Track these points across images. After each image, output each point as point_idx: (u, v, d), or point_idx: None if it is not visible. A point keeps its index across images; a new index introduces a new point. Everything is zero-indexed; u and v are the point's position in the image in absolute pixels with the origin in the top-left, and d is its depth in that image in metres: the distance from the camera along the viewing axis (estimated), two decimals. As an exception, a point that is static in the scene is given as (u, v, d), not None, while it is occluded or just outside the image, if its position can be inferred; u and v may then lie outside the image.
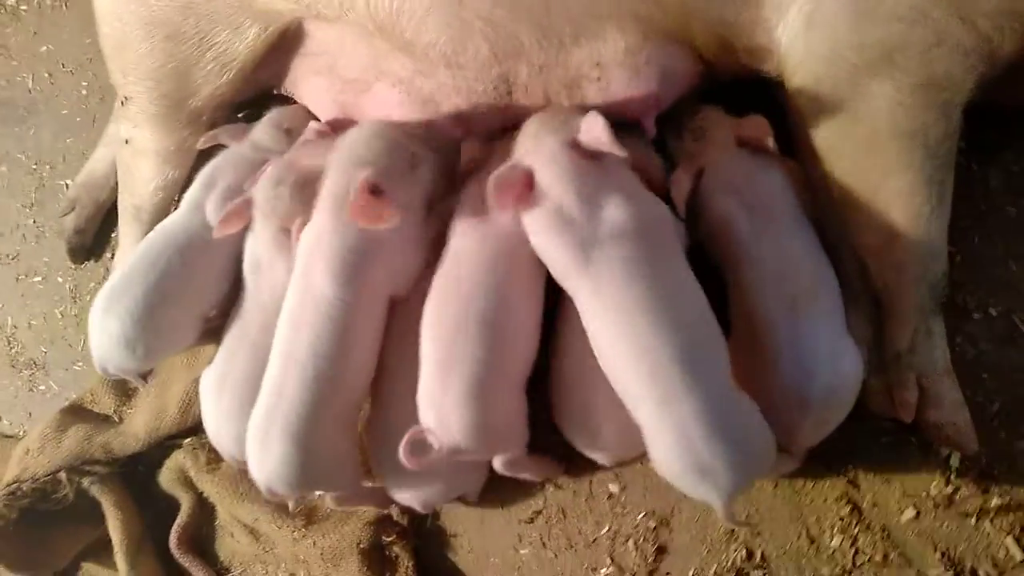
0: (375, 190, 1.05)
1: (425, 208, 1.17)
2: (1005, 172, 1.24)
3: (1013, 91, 1.10)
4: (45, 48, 1.90)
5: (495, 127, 1.27)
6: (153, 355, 1.35)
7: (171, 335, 1.34)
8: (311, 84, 1.38)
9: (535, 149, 1.03)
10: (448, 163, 1.24)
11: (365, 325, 1.11)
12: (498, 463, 1.14)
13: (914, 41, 1.00)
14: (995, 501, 1.18)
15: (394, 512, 1.43)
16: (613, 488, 1.33)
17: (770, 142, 1.16)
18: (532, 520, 1.37)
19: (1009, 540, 1.16)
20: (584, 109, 1.07)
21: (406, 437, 1.03)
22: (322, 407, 1.08)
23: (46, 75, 1.89)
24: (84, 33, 1.84)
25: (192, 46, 1.35)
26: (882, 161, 1.07)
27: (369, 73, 1.30)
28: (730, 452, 0.93)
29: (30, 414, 1.78)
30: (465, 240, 1.09)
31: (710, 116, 1.21)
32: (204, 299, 1.34)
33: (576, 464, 1.27)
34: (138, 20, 1.35)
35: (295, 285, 1.11)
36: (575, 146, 1.02)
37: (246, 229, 1.28)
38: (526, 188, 1.02)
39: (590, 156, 1.01)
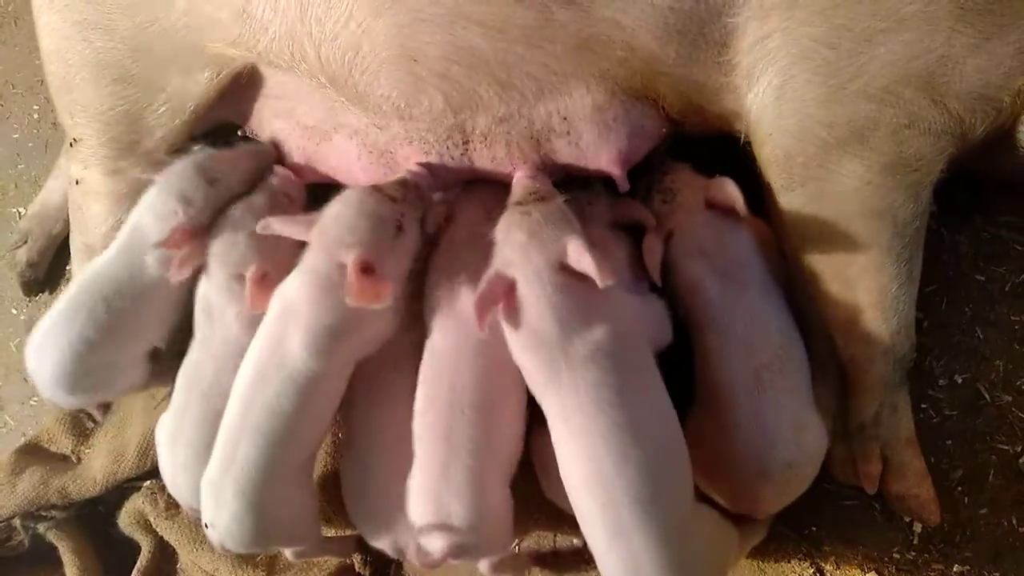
0: (367, 269, 1.02)
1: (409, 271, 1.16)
2: (975, 238, 1.23)
3: (983, 161, 1.07)
4: None
5: (456, 179, 1.24)
6: (92, 394, 1.33)
7: (108, 376, 1.30)
8: (274, 126, 1.33)
9: (521, 263, 0.99)
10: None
11: (329, 389, 1.10)
12: (484, 566, 1.14)
13: (885, 121, 0.98)
14: (956, 568, 1.19)
15: (356, 562, 1.42)
16: (577, 542, 1.32)
17: (740, 207, 1.13)
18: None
19: (970, 607, 1.16)
20: (568, 220, 1.04)
21: (411, 551, 1.06)
22: (276, 466, 1.07)
23: None
24: (35, 54, 1.76)
25: (142, 89, 1.30)
26: (850, 238, 1.05)
27: (327, 123, 1.26)
28: None
29: None
30: (447, 339, 1.07)
31: (680, 177, 1.18)
32: (139, 341, 1.30)
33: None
34: (84, 62, 1.30)
35: (261, 346, 1.08)
36: (561, 269, 0.98)
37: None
38: (508, 298, 0.99)
39: (576, 276, 0.98)
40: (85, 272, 1.29)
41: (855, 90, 0.98)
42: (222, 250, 1.21)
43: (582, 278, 0.96)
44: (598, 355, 0.95)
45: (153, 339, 1.31)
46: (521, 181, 1.13)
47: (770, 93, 1.03)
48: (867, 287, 1.06)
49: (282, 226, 1.12)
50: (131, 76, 1.29)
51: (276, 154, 1.36)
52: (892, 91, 0.97)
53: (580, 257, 0.96)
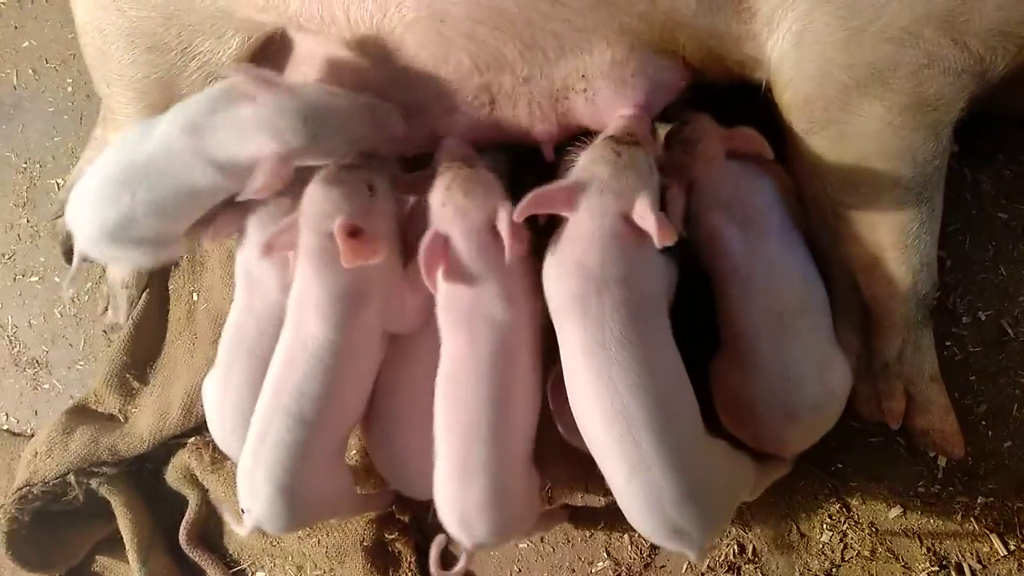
0: (353, 231, 1.06)
1: (400, 233, 1.19)
2: (997, 177, 1.24)
3: (1004, 99, 1.08)
4: (27, 44, 1.88)
5: (480, 137, 1.26)
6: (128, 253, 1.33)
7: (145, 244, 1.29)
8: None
9: (593, 195, 1.02)
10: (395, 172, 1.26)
11: (355, 366, 1.14)
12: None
13: (904, 62, 0.99)
14: (980, 499, 1.22)
15: (395, 510, 1.47)
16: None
17: (766, 151, 1.15)
18: (531, 516, 1.41)
19: (994, 536, 1.20)
20: None
21: (433, 553, 1.10)
22: (307, 449, 1.10)
23: (30, 72, 1.87)
24: (67, 28, 1.81)
25: (176, 56, 1.33)
26: (872, 178, 1.07)
27: (353, 86, 1.28)
28: (699, 514, 0.97)
29: (36, 412, 1.82)
30: (457, 339, 1.09)
31: (700, 127, 1.19)
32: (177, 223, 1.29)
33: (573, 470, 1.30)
34: (119, 32, 1.33)
35: (287, 336, 1.13)
36: (625, 220, 1.01)
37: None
38: (568, 205, 1.03)
39: (635, 229, 1.01)
40: (127, 146, 1.24)
41: (874, 32, 0.99)
42: (261, 215, 1.26)
43: (639, 232, 1.00)
44: (629, 300, 0.99)
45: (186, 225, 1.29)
46: (623, 119, 1.14)
47: (790, 39, 1.04)
48: (889, 227, 1.08)
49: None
50: (164, 44, 1.32)
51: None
52: (911, 31, 0.97)
53: (645, 215, 0.99)
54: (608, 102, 1.17)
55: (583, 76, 1.15)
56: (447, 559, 1.10)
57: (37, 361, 1.82)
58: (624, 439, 0.95)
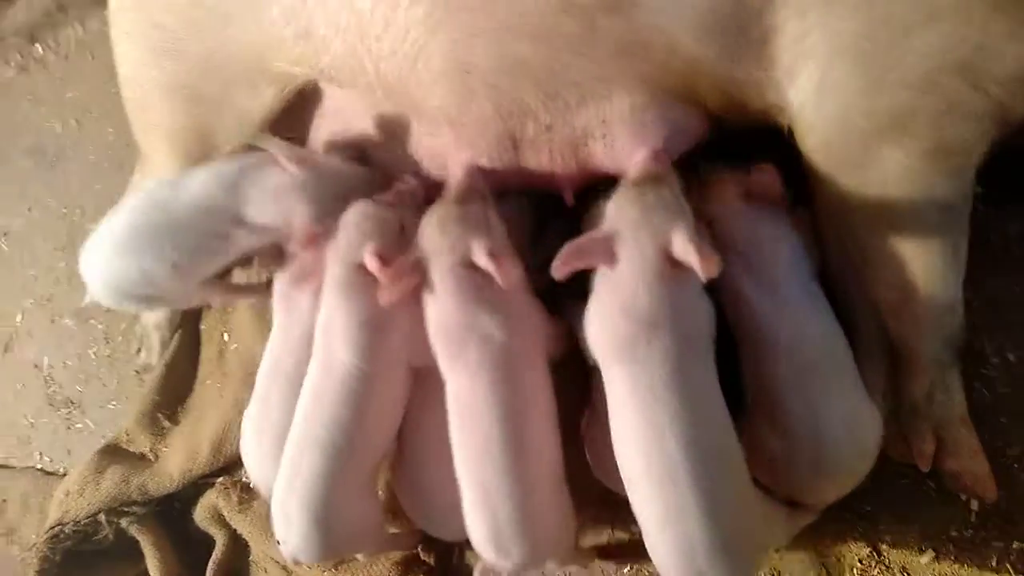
0: (384, 260, 1.10)
1: None
2: (1022, 217, 1.24)
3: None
4: (71, 95, 1.97)
5: (501, 182, 1.29)
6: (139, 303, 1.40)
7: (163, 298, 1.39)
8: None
9: (630, 238, 1.04)
10: None
11: (384, 394, 1.15)
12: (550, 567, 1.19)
13: (924, 108, 1.00)
14: (1016, 544, 1.20)
15: (420, 552, 1.47)
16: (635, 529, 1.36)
17: (781, 193, 1.16)
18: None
19: (1027, 581, 1.18)
20: None
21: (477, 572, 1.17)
22: (339, 478, 1.12)
23: (73, 122, 1.96)
24: (109, 81, 1.86)
25: (212, 107, 1.39)
26: (896, 221, 1.08)
27: (383, 135, 1.33)
28: (730, 566, 0.95)
29: (69, 451, 1.86)
30: (460, 380, 1.10)
31: (716, 169, 1.21)
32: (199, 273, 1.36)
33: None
34: (158, 85, 1.39)
35: (315, 368, 1.15)
36: (666, 257, 1.03)
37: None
38: (606, 258, 1.06)
39: (677, 266, 1.02)
40: (149, 201, 1.33)
41: (893, 80, 1.00)
42: None
43: (680, 268, 1.01)
44: (679, 342, 0.99)
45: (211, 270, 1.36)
46: (641, 162, 1.15)
47: (811, 86, 1.06)
48: (914, 269, 1.09)
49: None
50: (201, 96, 1.38)
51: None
52: (930, 79, 0.99)
53: (685, 247, 0.99)
54: (627, 147, 1.19)
55: (603, 122, 1.18)
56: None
57: (71, 401, 1.87)
58: (664, 486, 0.95)
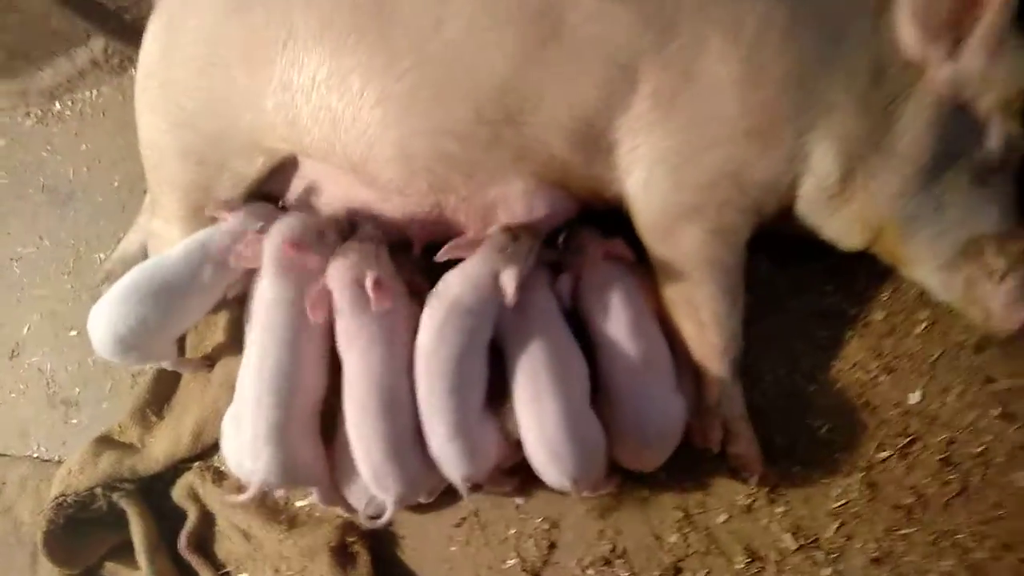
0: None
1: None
2: (790, 275, 1.72)
3: (783, 222, 1.57)
4: (85, 146, 2.34)
5: (429, 233, 1.74)
6: (133, 358, 1.82)
7: (148, 347, 1.80)
8: (306, 199, 1.85)
9: (508, 270, 1.59)
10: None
11: (309, 353, 1.64)
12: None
13: (710, 202, 1.47)
14: (779, 508, 1.65)
15: (356, 519, 1.87)
16: (518, 500, 1.79)
17: (630, 256, 1.66)
18: (459, 525, 1.83)
19: (787, 536, 1.64)
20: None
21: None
22: (289, 419, 1.57)
23: (85, 169, 2.32)
24: (118, 136, 2.27)
25: (214, 169, 1.80)
26: (694, 276, 1.54)
27: (346, 196, 1.78)
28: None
29: (64, 443, 2.20)
30: (350, 359, 1.64)
31: (586, 236, 1.70)
32: (175, 327, 1.82)
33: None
34: (173, 150, 1.80)
35: (258, 331, 1.66)
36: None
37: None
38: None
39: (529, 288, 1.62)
40: (146, 265, 1.78)
41: (691, 182, 1.46)
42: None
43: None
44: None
45: (184, 328, 1.83)
46: (522, 221, 1.63)
47: (639, 184, 1.52)
48: (706, 311, 1.54)
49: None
50: (206, 160, 1.78)
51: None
52: (713, 183, 1.45)
53: (505, 279, 1.53)
54: (520, 215, 1.65)
55: (504, 198, 1.62)
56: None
57: (68, 400, 2.20)
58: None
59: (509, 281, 1.53)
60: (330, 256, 1.66)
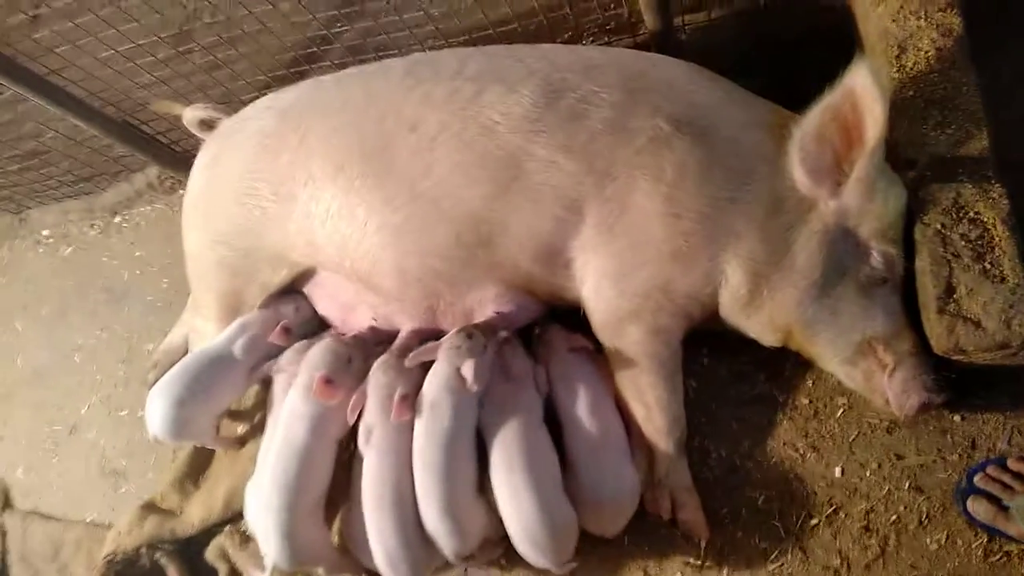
0: (328, 381, 1.91)
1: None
2: (727, 366, 2.00)
3: (712, 323, 1.88)
4: (139, 253, 2.71)
5: (427, 335, 2.06)
6: (185, 437, 2.14)
7: (194, 426, 2.10)
8: (322, 304, 2.19)
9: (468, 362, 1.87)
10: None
11: (319, 454, 1.93)
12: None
13: (646, 308, 1.77)
14: (725, 569, 1.90)
15: (366, 576, 2.14)
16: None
17: (590, 348, 1.97)
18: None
19: (736, 592, 1.89)
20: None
21: None
22: (295, 507, 1.84)
23: (138, 272, 2.68)
24: (167, 245, 2.64)
25: (246, 279, 2.16)
26: (637, 367, 1.83)
27: (354, 300, 2.12)
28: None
29: (113, 509, 2.48)
30: (368, 455, 1.92)
31: (552, 331, 2.02)
32: (217, 404, 2.14)
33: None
34: (212, 263, 2.17)
35: (281, 431, 1.95)
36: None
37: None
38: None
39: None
40: (192, 354, 2.13)
41: (630, 292, 1.77)
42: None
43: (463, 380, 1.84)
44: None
45: (222, 406, 2.15)
46: (451, 335, 1.94)
47: (591, 291, 1.82)
48: (650, 396, 1.83)
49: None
50: (239, 272, 2.14)
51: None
52: (647, 293, 1.75)
53: (466, 372, 1.82)
54: (492, 315, 1.98)
55: (480, 301, 1.95)
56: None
57: (118, 472, 2.50)
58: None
59: (467, 372, 1.82)
60: (353, 380, 1.98)
